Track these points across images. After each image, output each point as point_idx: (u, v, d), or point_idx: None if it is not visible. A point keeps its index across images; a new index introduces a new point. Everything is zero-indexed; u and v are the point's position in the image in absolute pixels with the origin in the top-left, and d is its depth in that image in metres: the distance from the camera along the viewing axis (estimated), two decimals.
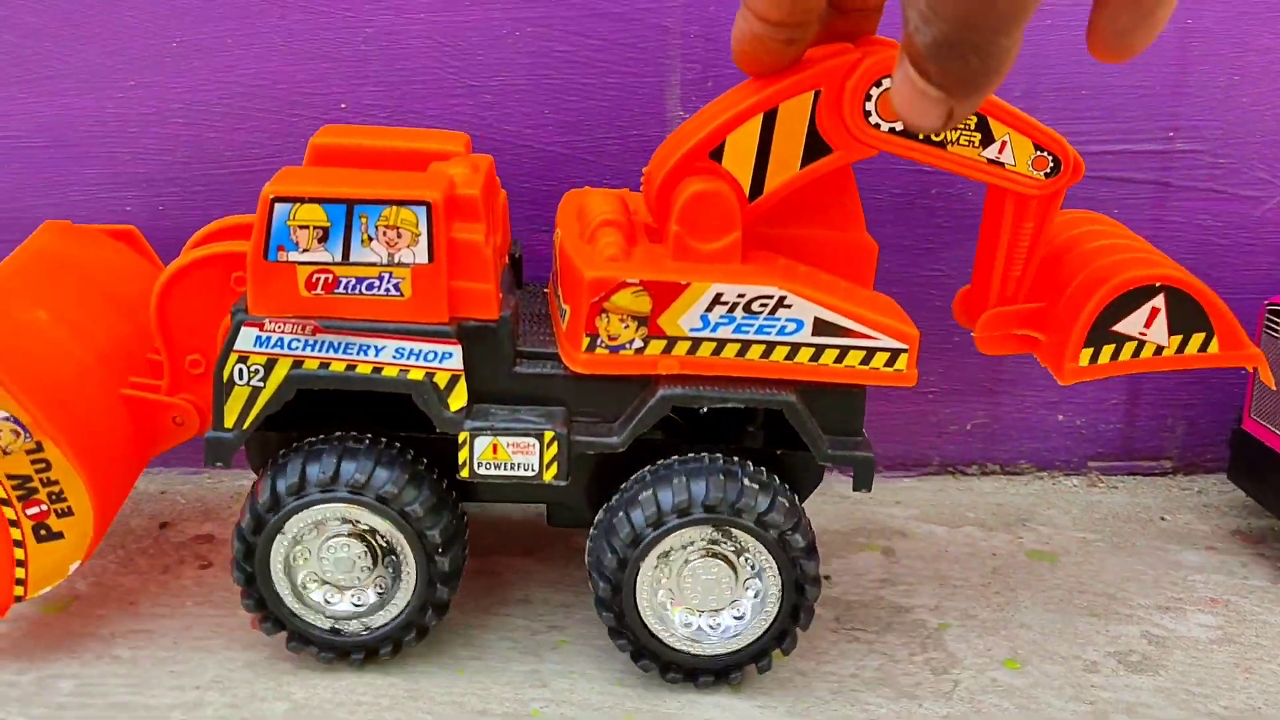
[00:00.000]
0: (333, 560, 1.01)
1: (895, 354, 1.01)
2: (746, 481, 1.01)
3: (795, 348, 1.00)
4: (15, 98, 1.28)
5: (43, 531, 1.01)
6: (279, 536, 1.01)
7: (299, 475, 1.00)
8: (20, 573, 1.02)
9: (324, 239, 0.96)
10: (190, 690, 1.03)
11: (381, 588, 1.04)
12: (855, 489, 1.04)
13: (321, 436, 1.03)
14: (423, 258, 0.97)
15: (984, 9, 0.75)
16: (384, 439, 1.03)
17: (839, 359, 1.01)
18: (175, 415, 1.10)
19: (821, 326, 0.99)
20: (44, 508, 1.00)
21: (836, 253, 1.06)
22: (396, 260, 0.96)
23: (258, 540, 1.01)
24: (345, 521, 1.01)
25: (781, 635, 1.03)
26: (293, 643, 1.05)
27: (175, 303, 1.07)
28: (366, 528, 1.01)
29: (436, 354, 0.99)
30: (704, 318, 0.99)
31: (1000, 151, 1.01)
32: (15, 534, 1.01)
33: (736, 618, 1.03)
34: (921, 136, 1.00)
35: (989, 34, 0.74)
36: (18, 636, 1.09)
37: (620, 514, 1.02)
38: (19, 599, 1.03)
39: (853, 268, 1.06)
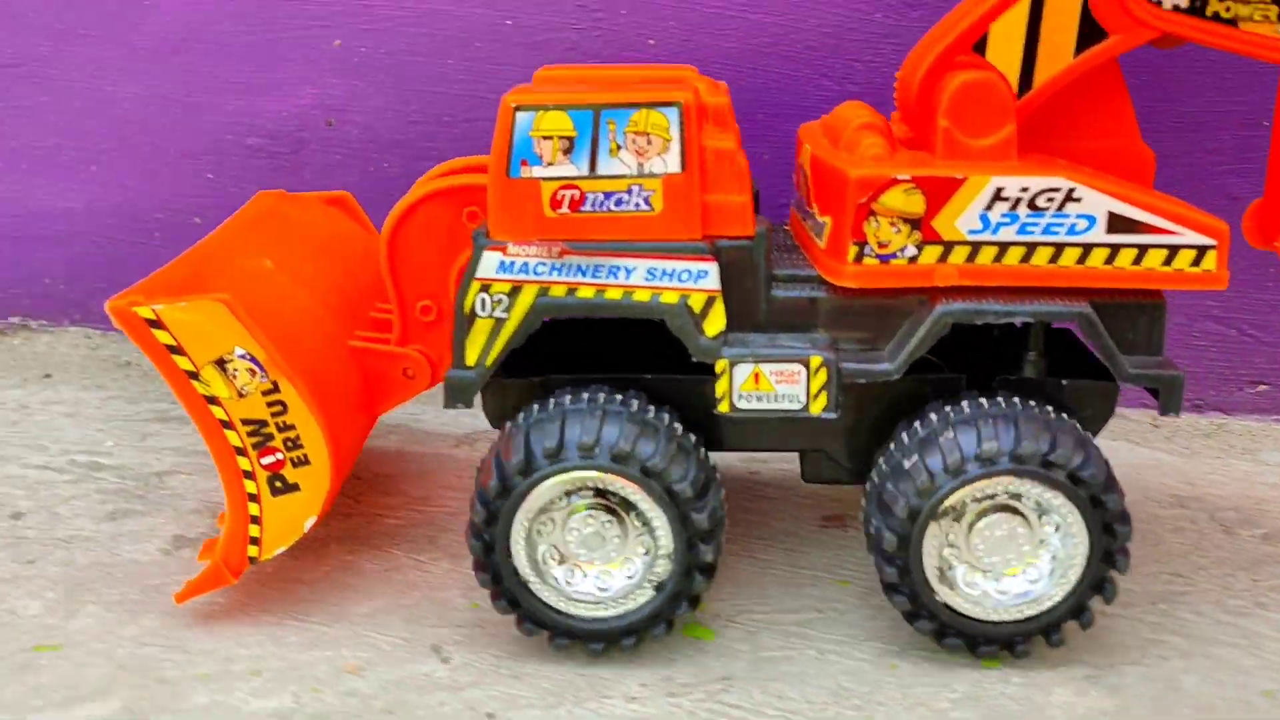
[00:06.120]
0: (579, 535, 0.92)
1: (1202, 251, 0.90)
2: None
3: (1088, 248, 0.90)
4: None
5: (278, 484, 0.95)
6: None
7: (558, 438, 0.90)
8: (255, 530, 0.96)
9: (569, 150, 0.89)
10: None
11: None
12: (1163, 413, 0.92)
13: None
14: (674, 166, 0.90)
15: None
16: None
17: (1137, 260, 0.90)
18: (406, 367, 1.04)
19: (1117, 222, 0.89)
20: (280, 456, 0.94)
21: (1110, 164, 0.97)
22: (646, 170, 0.90)
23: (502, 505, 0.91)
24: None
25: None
26: (527, 624, 0.93)
27: (406, 243, 1.01)
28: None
29: (691, 273, 0.91)
30: (984, 217, 0.89)
31: None
32: (250, 486, 0.95)
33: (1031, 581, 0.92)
34: (1210, 13, 0.91)
35: None
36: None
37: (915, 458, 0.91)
38: (253, 560, 0.97)
39: (1129, 180, 0.96)
